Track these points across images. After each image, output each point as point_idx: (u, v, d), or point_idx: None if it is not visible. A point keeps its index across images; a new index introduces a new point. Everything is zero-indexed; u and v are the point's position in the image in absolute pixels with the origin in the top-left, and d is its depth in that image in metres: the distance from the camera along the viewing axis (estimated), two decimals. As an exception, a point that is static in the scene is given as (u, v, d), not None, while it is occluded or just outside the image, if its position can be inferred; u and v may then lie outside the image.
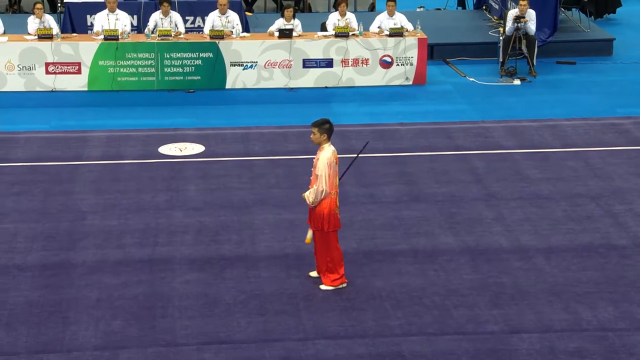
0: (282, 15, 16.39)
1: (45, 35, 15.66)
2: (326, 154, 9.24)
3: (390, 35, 16.16)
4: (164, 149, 13.33)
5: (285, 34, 16.02)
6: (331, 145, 9.34)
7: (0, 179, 12.20)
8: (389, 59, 16.21)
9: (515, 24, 16.54)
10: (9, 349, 8.46)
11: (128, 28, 16.18)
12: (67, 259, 10.08)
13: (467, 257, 10.19)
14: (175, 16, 16.30)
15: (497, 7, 19.09)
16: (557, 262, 10.11)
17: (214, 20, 16.27)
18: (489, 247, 10.42)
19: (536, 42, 16.89)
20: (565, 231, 10.82)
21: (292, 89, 16.13)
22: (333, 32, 16.17)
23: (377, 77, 16.24)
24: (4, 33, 16.16)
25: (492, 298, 9.35)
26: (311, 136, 9.35)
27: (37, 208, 11.35)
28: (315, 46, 16.07)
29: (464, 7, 21.07)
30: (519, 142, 13.66)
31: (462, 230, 10.82)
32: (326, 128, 9.26)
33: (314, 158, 9.41)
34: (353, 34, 16.16)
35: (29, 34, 15.92)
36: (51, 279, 9.65)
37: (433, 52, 17.60)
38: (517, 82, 16.49)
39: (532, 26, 16.70)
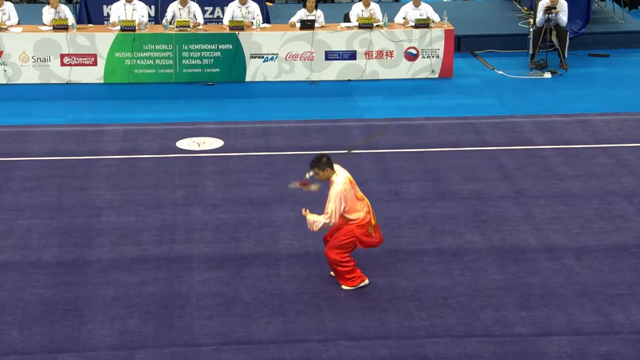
0: (304, 6, 16.42)
1: (60, 26, 15.76)
2: (337, 188, 9.13)
3: (415, 27, 16.15)
4: (182, 144, 13.39)
5: (307, 25, 16.04)
6: (340, 174, 9.19)
7: (14, 173, 12.31)
8: (414, 51, 16.19)
9: (546, 15, 16.49)
10: (23, 348, 8.55)
11: (145, 19, 16.26)
12: (82, 256, 10.15)
13: (494, 257, 10.18)
14: (194, 6, 16.36)
15: (527, -3, 19.03)
16: (588, 262, 10.08)
17: (233, 10, 16.33)
18: (517, 247, 10.41)
19: (568, 33, 16.81)
20: (597, 230, 10.79)
21: (313, 82, 16.15)
22: (356, 23, 16.18)
23: (402, 70, 16.23)
24: (19, 23, 16.28)
25: (520, 299, 9.35)
26: (317, 176, 9.26)
27: (52, 204, 11.43)
28: (338, 38, 16.08)
29: (492, -3, 21.00)
30: (549, 137, 13.62)
31: (489, 228, 10.81)
32: (324, 162, 9.17)
33: (328, 189, 9.34)
34: (377, 25, 16.16)
35: (43, 24, 16.04)
36: (66, 276, 9.73)
37: (460, 44, 17.57)
38: (547, 75, 16.43)
39: (563, 17, 16.63)
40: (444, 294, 9.44)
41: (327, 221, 9.16)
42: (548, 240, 10.56)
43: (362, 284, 9.48)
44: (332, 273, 9.73)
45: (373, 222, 9.38)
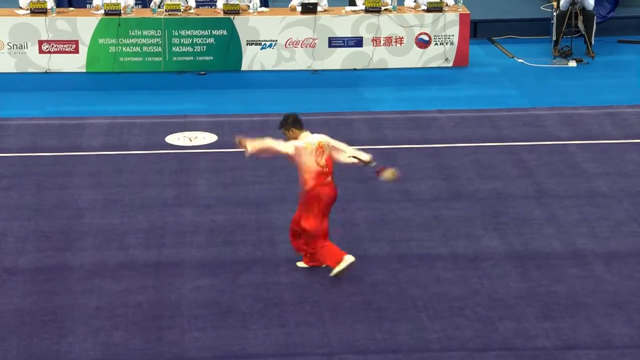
0: (306, -12, 16.40)
1: (38, 10, 15.74)
2: (296, 142, 9.62)
3: (428, 11, 16.12)
4: (172, 139, 13.38)
5: (309, 8, 16.02)
6: (309, 137, 9.71)
7: (-12, 171, 12.31)
8: (426, 38, 16.17)
9: (571, -2, 16.46)
10: (-2, 362, 8.55)
11: (132, 2, 16.25)
12: (62, 262, 10.13)
13: (514, 263, 10.16)
14: (185, -12, 16.36)
15: (550, -22, 19.01)
16: (618, 268, 10.05)
17: (228, -7, 16.31)
18: (540, 252, 10.39)
19: (595, 18, 16.79)
20: (628, 234, 10.76)
21: (316, 71, 16.14)
22: (363, 7, 16.16)
23: (413, 58, 16.21)
24: (-7, 7, 16.28)
25: (543, 309, 9.32)
26: (285, 137, 9.78)
27: (30, 204, 11.42)
28: (342, 23, 16.06)
29: (512, -21, 20.99)
30: (574, 131, 13.59)
31: (509, 231, 10.79)
32: (290, 122, 9.75)
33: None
34: (386, 9, 16.13)
35: (20, 7, 16.01)
36: (45, 284, 9.71)
37: (476, 29, 17.54)
38: (572, 63, 16.41)
39: (590, 0, 16.60)
40: (460, 303, 9.41)
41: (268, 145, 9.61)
42: (574, 244, 10.53)
43: (349, 261, 9.56)
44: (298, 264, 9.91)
45: (327, 169, 9.72)
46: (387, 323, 9.08)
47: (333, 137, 13.35)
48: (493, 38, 17.67)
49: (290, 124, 9.71)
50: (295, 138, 9.71)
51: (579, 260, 10.21)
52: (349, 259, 9.63)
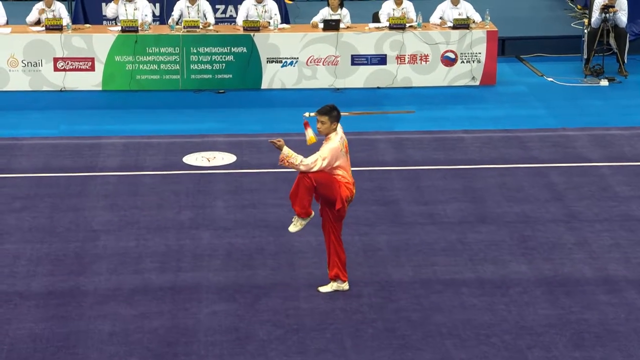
0: (328, 4, 16.47)
1: (54, 26, 15.87)
2: (333, 144, 9.67)
3: (454, 28, 16.15)
4: (190, 159, 13.43)
5: (331, 25, 16.08)
6: (338, 131, 9.78)
7: (0, 192, 12.37)
8: (452, 55, 16.19)
9: (603, 15, 16.45)
10: (9, 389, 8.58)
11: (149, 18, 16.36)
12: (76, 286, 10.18)
13: (543, 289, 10.13)
14: (204, 4, 16.45)
15: (580, -6, 19.02)
16: (651, 296, 10.02)
17: (248, 9, 16.39)
18: (570, 278, 10.35)
19: (628, 35, 16.78)
20: (662, 259, 10.73)
21: (338, 89, 16.18)
22: (387, 24, 16.21)
23: (439, 77, 16.23)
24: (7, 23, 16.40)
25: (573, 338, 9.29)
26: (319, 126, 9.80)
27: (43, 226, 11.48)
28: (365, 40, 16.10)
29: (541, -5, 21.01)
30: (606, 153, 13.56)
31: (537, 257, 10.76)
32: (335, 115, 9.79)
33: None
34: (410, 26, 16.18)
35: (35, 23, 16.10)
36: (58, 308, 9.75)
37: (504, 47, 17.56)
38: (604, 82, 16.38)
39: (623, 17, 16.60)
40: (486, 330, 9.39)
41: (305, 168, 9.64)
42: (606, 270, 10.49)
43: (342, 288, 9.85)
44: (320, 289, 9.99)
45: (354, 191, 9.87)
46: (411, 351, 9.07)
47: (356, 157, 13.45)
48: (522, 56, 17.67)
49: (335, 118, 9.70)
50: (327, 133, 9.71)
51: (611, 286, 10.17)
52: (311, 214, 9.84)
